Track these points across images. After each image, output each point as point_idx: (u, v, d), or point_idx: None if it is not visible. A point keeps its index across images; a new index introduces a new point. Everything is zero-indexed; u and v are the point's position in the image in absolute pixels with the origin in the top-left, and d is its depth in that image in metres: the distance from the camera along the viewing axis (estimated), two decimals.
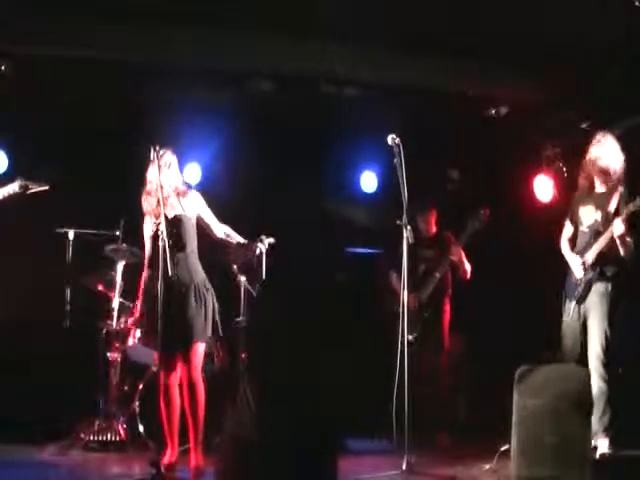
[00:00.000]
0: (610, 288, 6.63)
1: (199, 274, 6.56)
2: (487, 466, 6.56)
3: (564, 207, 7.23)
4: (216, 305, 6.59)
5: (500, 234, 8.48)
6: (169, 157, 6.56)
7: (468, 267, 8.35)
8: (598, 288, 6.67)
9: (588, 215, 6.78)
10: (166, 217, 6.34)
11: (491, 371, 7.82)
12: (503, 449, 6.46)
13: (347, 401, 7.44)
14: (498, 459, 6.51)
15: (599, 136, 6.82)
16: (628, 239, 6.56)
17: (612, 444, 6.50)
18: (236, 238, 6.77)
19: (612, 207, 6.66)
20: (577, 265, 6.78)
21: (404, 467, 6.30)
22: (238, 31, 7.59)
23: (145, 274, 6.58)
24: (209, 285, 6.59)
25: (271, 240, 7.04)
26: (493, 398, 7.16)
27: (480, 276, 8.44)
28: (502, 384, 6.45)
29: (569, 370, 6.30)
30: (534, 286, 8.50)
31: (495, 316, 8.67)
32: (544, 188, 8.89)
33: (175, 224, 6.46)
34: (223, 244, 6.78)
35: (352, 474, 6.14)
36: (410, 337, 6.69)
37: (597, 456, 6.40)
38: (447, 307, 8.42)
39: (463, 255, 8.30)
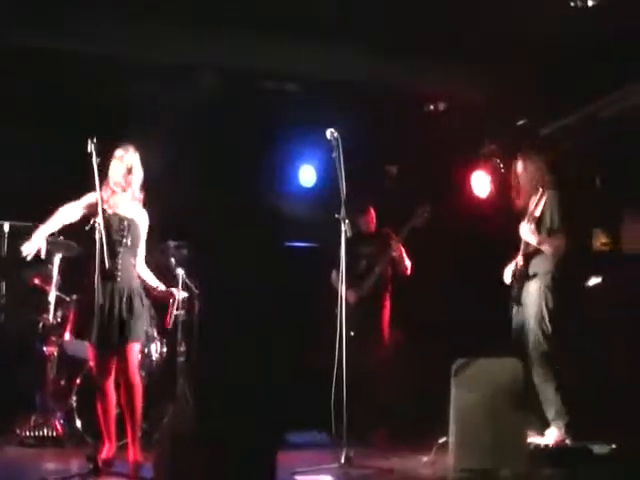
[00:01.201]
0: (541, 286, 6.80)
1: (137, 277, 6.54)
2: (425, 458, 6.62)
3: (500, 202, 7.35)
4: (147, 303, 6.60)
5: (439, 229, 8.54)
6: (125, 152, 6.52)
7: (408, 263, 8.41)
8: (528, 287, 6.86)
9: (524, 229, 6.98)
10: (116, 214, 6.36)
11: (429, 365, 7.88)
12: (441, 442, 6.52)
13: (286, 396, 7.50)
14: (436, 451, 6.57)
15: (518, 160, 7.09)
16: (547, 239, 6.77)
17: (566, 435, 6.61)
18: (154, 283, 6.74)
19: (537, 213, 6.87)
20: (507, 271, 7.07)
21: (342, 460, 6.33)
22: (180, 25, 7.58)
23: None
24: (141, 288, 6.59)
25: (184, 294, 7.02)
26: (431, 391, 7.20)
27: (420, 271, 8.50)
28: (439, 378, 6.51)
29: (504, 363, 6.39)
30: (472, 281, 8.59)
31: (433, 311, 8.73)
32: (481, 184, 9.00)
33: (126, 223, 6.44)
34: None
35: (291, 468, 6.15)
36: (350, 332, 6.71)
37: (532, 447, 6.48)
38: (387, 303, 8.47)
39: (403, 251, 8.36)
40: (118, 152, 6.53)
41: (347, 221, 6.64)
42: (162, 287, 6.75)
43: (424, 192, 8.71)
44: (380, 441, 7.68)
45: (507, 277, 7.09)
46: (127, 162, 6.52)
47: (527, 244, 6.93)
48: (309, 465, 6.38)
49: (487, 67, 7.91)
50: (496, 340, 6.95)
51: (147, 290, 6.67)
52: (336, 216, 6.65)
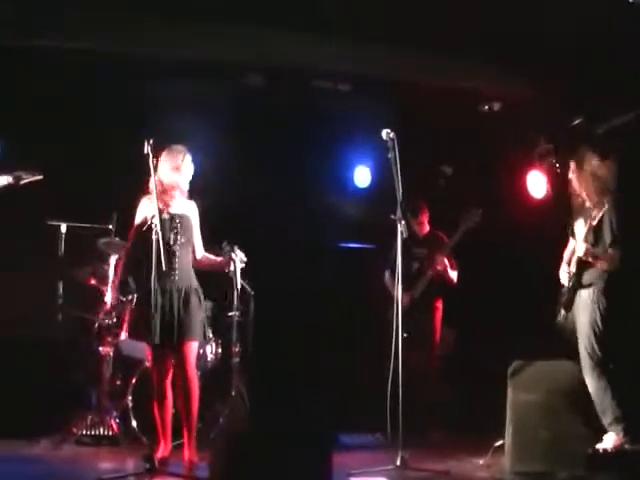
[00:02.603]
0: (595, 290, 6.64)
1: (194, 276, 6.59)
2: (481, 461, 6.58)
3: (557, 203, 7.24)
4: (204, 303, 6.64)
5: (493, 231, 8.47)
6: (174, 151, 6.57)
7: (453, 275, 8.36)
8: (581, 294, 6.71)
9: (579, 228, 6.82)
10: (169, 213, 6.41)
11: (484, 367, 7.83)
12: (497, 444, 6.47)
13: (340, 397, 7.49)
14: (492, 454, 6.52)
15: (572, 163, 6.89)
16: (604, 255, 6.59)
17: (625, 439, 6.48)
18: (211, 258, 6.79)
19: (595, 221, 6.71)
20: (563, 273, 6.86)
21: (398, 462, 6.30)
22: (230, 25, 7.59)
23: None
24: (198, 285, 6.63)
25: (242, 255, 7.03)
26: (487, 393, 7.15)
27: (474, 273, 8.44)
28: (495, 380, 6.46)
29: (561, 365, 6.32)
30: (527, 283, 8.50)
31: (488, 313, 8.66)
32: (537, 184, 8.89)
33: (178, 221, 6.50)
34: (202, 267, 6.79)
35: (345, 469, 6.13)
36: (403, 334, 6.67)
37: (590, 451, 6.39)
38: (439, 304, 8.43)
39: (447, 265, 8.30)
40: (168, 152, 6.58)
41: (403, 222, 6.61)
42: (220, 258, 6.81)
43: (479, 193, 8.66)
44: (435, 443, 7.64)
45: (563, 278, 6.94)
46: (177, 161, 6.57)
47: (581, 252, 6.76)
48: (363, 467, 6.36)
49: (544, 66, 7.83)
50: (552, 342, 6.86)
51: (211, 266, 6.74)
52: (392, 217, 6.61)
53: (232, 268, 6.84)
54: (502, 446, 6.31)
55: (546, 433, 6.04)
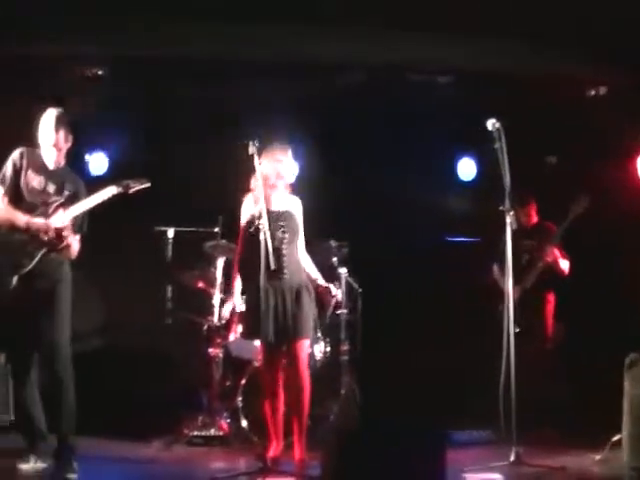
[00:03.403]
0: None
1: (303, 271, 6.62)
2: (598, 456, 6.43)
3: None
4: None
5: (601, 220, 8.29)
6: (277, 150, 6.60)
7: (565, 266, 8.18)
8: None
9: None
10: (274, 211, 6.45)
11: (599, 360, 7.67)
12: (614, 439, 6.32)
13: (451, 394, 7.42)
14: (609, 449, 6.37)
15: None
16: None
17: None
18: (314, 274, 6.79)
19: None
20: None
21: (512, 458, 6.20)
22: (327, 24, 7.59)
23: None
24: (308, 281, 6.64)
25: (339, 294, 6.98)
26: (600, 388, 7.00)
27: (584, 264, 8.26)
28: (609, 373, 6.31)
29: None
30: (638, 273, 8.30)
31: (600, 304, 8.48)
32: None
33: (283, 219, 6.53)
34: None
35: (458, 466, 6.06)
36: (515, 329, 6.56)
37: None
38: (550, 297, 8.28)
39: (558, 255, 8.14)
40: (271, 151, 6.61)
41: (512, 213, 6.51)
42: (322, 281, 6.80)
43: (585, 181, 8.48)
44: (548, 439, 7.50)
45: None
46: (280, 160, 6.61)
47: None
48: (476, 463, 6.29)
49: None
50: None
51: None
52: (500, 208, 6.52)
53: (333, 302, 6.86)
54: (619, 441, 6.15)
55: None
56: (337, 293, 7.02)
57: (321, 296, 6.82)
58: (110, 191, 6.25)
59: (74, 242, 6.21)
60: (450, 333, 8.53)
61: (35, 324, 6.13)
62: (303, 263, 6.71)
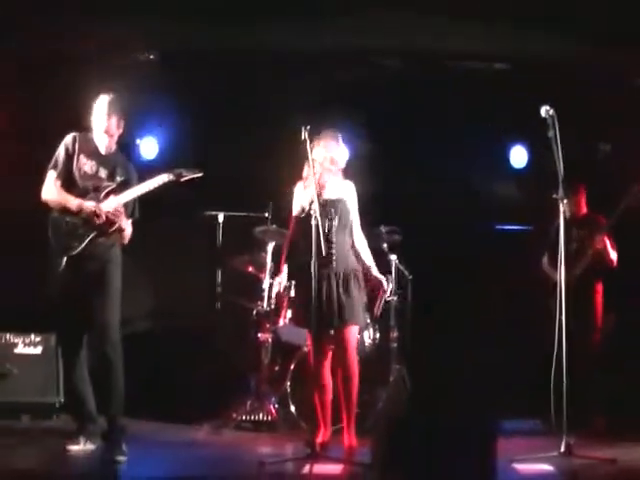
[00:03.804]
0: None
1: (352, 257, 6.60)
2: None
3: None
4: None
5: None
6: (328, 136, 6.59)
7: (614, 256, 8.07)
8: None
9: None
10: (325, 198, 6.44)
11: None
12: None
13: (501, 383, 7.35)
14: None
15: None
16: None
17: None
18: (367, 261, 6.76)
19: None
20: None
21: (562, 449, 6.13)
22: (375, 11, 7.55)
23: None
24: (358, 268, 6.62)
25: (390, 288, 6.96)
26: None
27: (633, 255, 8.15)
28: None
29: None
30: None
31: None
32: None
33: (333, 206, 6.51)
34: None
35: (507, 456, 6.00)
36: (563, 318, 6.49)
37: None
38: (599, 287, 8.18)
39: (608, 244, 8.03)
40: (323, 137, 6.60)
41: (565, 201, 6.43)
42: (374, 270, 6.78)
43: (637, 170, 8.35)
44: (599, 430, 7.43)
45: None
46: (331, 146, 6.60)
47: None
48: (525, 453, 6.22)
49: None
50: None
51: (361, 265, 6.72)
52: (554, 196, 6.43)
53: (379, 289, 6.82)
54: None
55: None
56: (389, 288, 6.97)
57: (372, 288, 6.81)
58: (162, 179, 6.29)
59: (127, 227, 6.26)
60: (500, 321, 8.47)
61: (85, 306, 6.19)
62: (359, 249, 6.70)
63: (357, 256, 6.68)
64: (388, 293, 6.95)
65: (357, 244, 6.69)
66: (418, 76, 8.28)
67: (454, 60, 8.17)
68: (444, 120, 8.60)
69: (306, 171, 6.46)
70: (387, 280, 6.94)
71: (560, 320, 6.28)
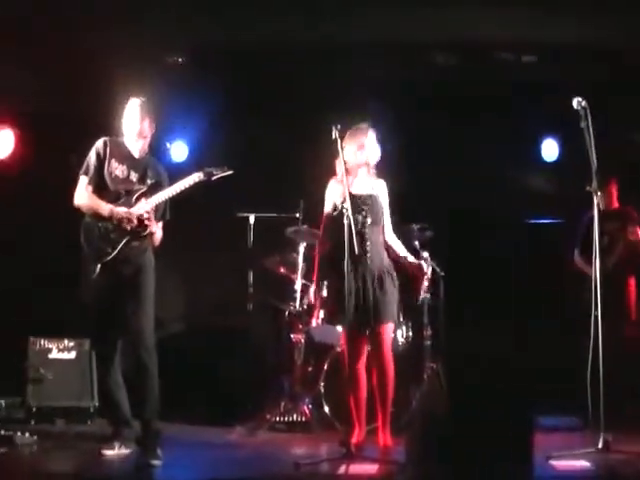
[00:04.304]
0: None
1: (386, 255, 6.57)
2: None
3: None
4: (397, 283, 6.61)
5: None
6: (359, 134, 6.56)
7: None
8: None
9: None
10: (356, 194, 6.41)
11: None
12: None
13: (536, 379, 7.29)
14: None
15: None
16: None
17: None
18: (402, 252, 6.73)
19: None
20: None
21: (600, 445, 6.06)
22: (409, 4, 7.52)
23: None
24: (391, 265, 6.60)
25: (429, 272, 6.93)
26: None
27: None
28: None
29: None
30: None
31: None
32: None
33: (365, 203, 6.49)
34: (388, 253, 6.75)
35: (544, 452, 5.95)
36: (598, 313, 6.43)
37: None
38: (632, 281, 8.12)
39: None
40: (353, 132, 6.58)
41: (599, 193, 6.37)
42: (411, 258, 6.75)
43: None
44: (636, 426, 7.35)
45: None
46: (361, 140, 6.57)
47: None
48: (563, 449, 6.16)
49: None
50: None
51: (395, 260, 6.69)
52: (587, 189, 6.36)
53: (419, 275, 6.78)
54: None
55: None
56: (428, 270, 6.92)
57: (412, 274, 6.77)
58: (192, 179, 6.28)
59: (157, 230, 6.27)
60: (535, 316, 8.40)
61: (119, 311, 6.20)
62: (391, 244, 6.67)
63: (390, 250, 6.66)
64: (429, 274, 6.88)
65: (389, 239, 6.66)
66: (449, 70, 8.23)
67: (485, 52, 8.11)
68: (475, 114, 8.56)
69: (338, 169, 6.45)
70: (425, 262, 6.89)
71: (595, 314, 6.22)
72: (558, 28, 7.63)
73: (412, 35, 7.74)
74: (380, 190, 6.64)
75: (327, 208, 6.59)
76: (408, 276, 6.79)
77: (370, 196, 6.55)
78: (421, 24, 7.59)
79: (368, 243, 6.42)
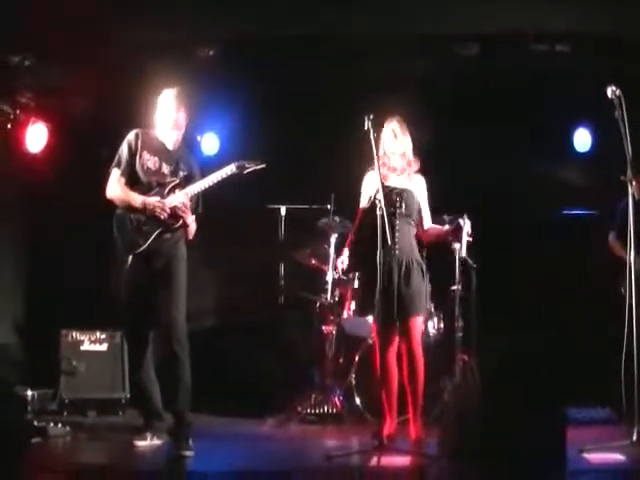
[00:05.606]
0: None
1: (416, 247, 6.55)
2: None
3: None
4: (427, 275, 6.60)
5: None
6: (394, 126, 6.55)
7: None
8: None
9: None
10: (389, 186, 6.39)
11: None
12: None
13: (569, 371, 7.24)
14: None
15: None
16: None
17: None
18: (437, 227, 6.73)
19: None
20: None
21: (634, 438, 6.00)
22: None
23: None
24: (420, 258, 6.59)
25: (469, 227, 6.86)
26: None
27: None
28: None
29: None
30: None
31: None
32: None
33: (399, 195, 6.47)
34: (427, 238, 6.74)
35: (576, 445, 5.90)
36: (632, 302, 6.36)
37: None
38: None
39: None
40: (386, 125, 6.57)
41: (635, 183, 6.30)
42: (447, 226, 6.73)
43: None
44: None
45: None
46: (394, 134, 6.55)
47: None
48: (596, 442, 6.11)
49: None
50: None
51: (436, 237, 6.70)
52: (622, 178, 6.29)
53: (459, 236, 6.73)
54: None
55: None
56: (466, 226, 6.80)
57: (454, 234, 6.72)
58: (226, 171, 6.28)
59: (191, 222, 6.27)
60: (568, 308, 8.34)
61: (152, 303, 6.22)
62: (428, 230, 6.69)
63: (426, 234, 6.68)
64: (469, 230, 6.80)
65: (427, 225, 6.68)
66: (481, 61, 8.17)
67: (518, 42, 8.04)
68: (507, 104, 8.50)
69: (373, 159, 6.44)
70: (463, 220, 6.82)
71: (630, 304, 6.16)
72: (592, 17, 7.56)
73: (444, 27, 7.68)
74: (417, 185, 6.63)
75: (363, 200, 6.60)
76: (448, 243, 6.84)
77: (404, 189, 6.52)
78: (452, 17, 7.52)
79: (398, 235, 6.39)
